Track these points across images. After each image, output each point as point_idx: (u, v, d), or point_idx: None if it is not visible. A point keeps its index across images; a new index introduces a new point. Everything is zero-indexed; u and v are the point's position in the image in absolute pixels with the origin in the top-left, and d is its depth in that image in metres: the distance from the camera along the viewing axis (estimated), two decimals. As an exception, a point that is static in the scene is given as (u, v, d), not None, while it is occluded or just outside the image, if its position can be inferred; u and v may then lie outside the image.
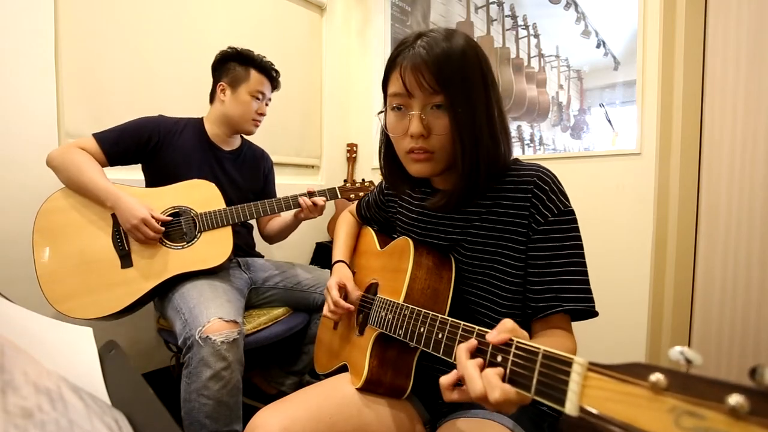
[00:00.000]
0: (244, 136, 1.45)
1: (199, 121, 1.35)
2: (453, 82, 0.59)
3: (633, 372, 0.31)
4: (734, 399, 0.25)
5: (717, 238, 1.35)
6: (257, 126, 1.37)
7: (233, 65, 1.30)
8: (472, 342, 0.47)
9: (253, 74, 1.30)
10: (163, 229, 1.13)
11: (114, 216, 1.13)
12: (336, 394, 0.70)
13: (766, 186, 1.24)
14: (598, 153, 1.54)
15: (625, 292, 1.44)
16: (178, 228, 1.17)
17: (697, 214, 1.39)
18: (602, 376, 0.34)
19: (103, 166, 1.17)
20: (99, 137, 1.17)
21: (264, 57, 1.33)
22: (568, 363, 0.36)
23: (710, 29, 1.35)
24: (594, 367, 0.35)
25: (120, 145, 1.19)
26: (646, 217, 1.40)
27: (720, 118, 1.33)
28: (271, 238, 1.49)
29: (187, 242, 1.17)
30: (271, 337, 1.22)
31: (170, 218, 1.16)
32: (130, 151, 1.21)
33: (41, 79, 1.29)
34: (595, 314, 0.63)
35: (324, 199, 1.32)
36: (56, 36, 1.32)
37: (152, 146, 1.24)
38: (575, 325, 0.65)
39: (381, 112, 0.69)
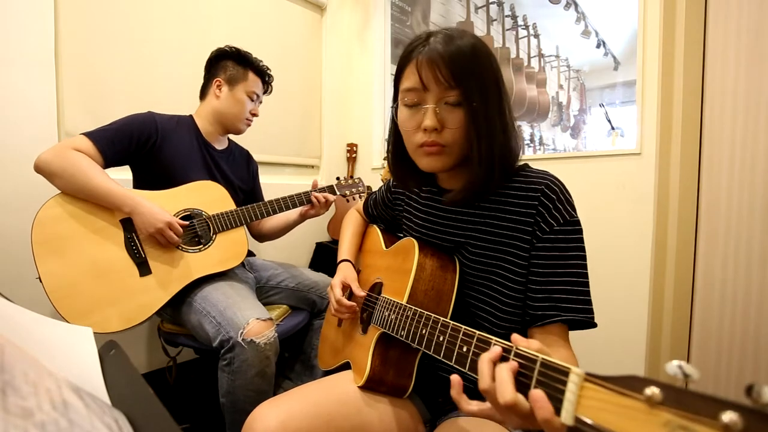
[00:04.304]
0: (231, 137, 1.44)
1: (190, 119, 1.31)
2: (468, 77, 0.60)
3: (629, 384, 0.31)
4: (728, 416, 0.25)
5: (717, 238, 1.34)
6: (249, 126, 1.36)
7: (231, 64, 1.29)
8: (497, 349, 0.44)
9: (251, 75, 1.31)
10: (183, 231, 1.11)
11: (124, 222, 1.07)
12: (336, 391, 0.70)
13: (766, 185, 1.24)
14: (598, 153, 1.54)
15: (624, 291, 1.44)
16: (192, 231, 1.16)
17: (697, 213, 1.39)
18: (599, 387, 0.34)
19: None
20: (93, 137, 1.07)
21: (261, 60, 1.34)
22: (565, 372, 0.36)
23: (710, 29, 1.35)
24: (591, 377, 0.35)
25: (117, 145, 1.11)
26: (646, 216, 1.40)
27: (720, 118, 1.33)
28: (264, 237, 1.47)
29: (204, 245, 1.16)
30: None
31: (187, 223, 1.13)
32: (129, 151, 1.14)
33: (41, 78, 1.29)
34: (593, 326, 0.62)
35: (332, 195, 1.35)
36: (56, 35, 1.32)
37: (150, 146, 1.17)
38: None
39: (394, 105, 0.70)
